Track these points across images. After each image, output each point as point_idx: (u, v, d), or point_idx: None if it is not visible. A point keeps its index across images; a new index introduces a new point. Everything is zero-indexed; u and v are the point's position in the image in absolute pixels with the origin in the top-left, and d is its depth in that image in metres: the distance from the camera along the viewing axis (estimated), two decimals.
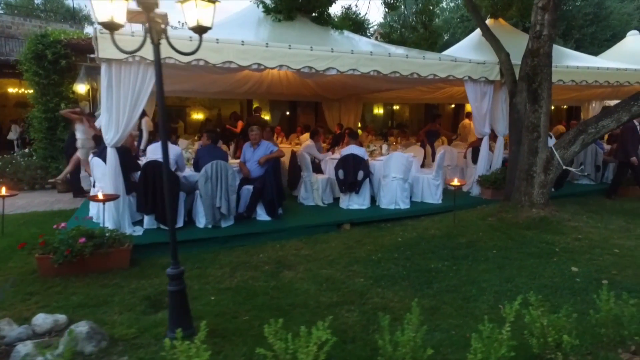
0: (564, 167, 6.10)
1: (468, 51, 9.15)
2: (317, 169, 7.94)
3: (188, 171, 6.11)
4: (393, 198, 6.97)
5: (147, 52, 5.12)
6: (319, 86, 10.84)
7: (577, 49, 23.97)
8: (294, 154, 7.96)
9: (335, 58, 6.08)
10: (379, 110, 19.66)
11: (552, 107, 19.37)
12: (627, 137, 7.80)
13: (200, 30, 2.99)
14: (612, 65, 9.57)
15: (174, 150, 5.71)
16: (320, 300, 3.65)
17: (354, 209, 6.95)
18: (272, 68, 5.77)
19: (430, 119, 12.58)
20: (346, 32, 7.95)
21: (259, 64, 5.65)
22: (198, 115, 16.84)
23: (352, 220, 6.36)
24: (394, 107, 19.84)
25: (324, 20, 7.55)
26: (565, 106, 18.38)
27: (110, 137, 5.02)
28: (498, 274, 4.24)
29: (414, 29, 10.43)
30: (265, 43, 5.67)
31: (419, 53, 7.17)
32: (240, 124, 11.10)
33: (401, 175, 6.95)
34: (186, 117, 16.75)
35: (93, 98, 11.82)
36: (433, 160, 9.21)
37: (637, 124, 7.80)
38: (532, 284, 3.95)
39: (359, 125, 17.88)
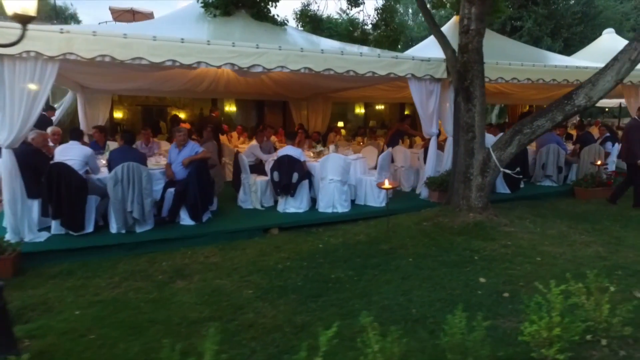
0: (501, 170, 5.80)
1: (432, 49, 8.86)
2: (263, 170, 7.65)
3: (105, 173, 5.82)
4: (330, 201, 6.68)
5: (45, 47, 4.92)
6: (278, 85, 10.54)
7: (565, 48, 23.70)
8: (237, 155, 7.67)
9: (261, 55, 5.78)
10: (360, 110, 19.35)
11: (535, 107, 19.18)
12: (634, 137, 7.00)
13: (22, 20, 2.69)
14: (573, 63, 9.29)
15: (83, 151, 5.42)
16: (188, 316, 3.36)
17: (290, 212, 6.66)
18: (190, 65, 5.46)
19: (398, 119, 12.28)
20: (290, 29, 7.66)
21: (174, 61, 5.35)
22: (180, 115, 16.47)
23: (281, 224, 6.07)
24: (378, 107, 19.51)
25: (264, 17, 7.24)
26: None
27: (4, 138, 4.73)
28: (398, 285, 3.95)
29: (376, 26, 10.12)
30: (181, 39, 5.37)
31: (358, 49, 6.88)
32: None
33: (339, 178, 6.65)
34: (167, 116, 16.41)
35: None
36: (393, 161, 8.95)
37: (637, 118, 7.19)
38: (427, 297, 3.66)
39: (341, 125, 17.63)
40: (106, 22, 17.08)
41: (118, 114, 15.71)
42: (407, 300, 3.61)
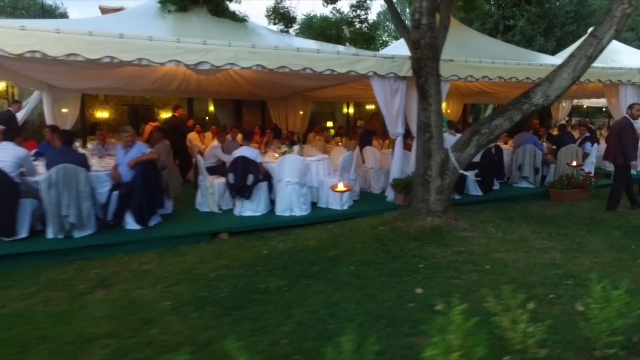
0: (460, 172, 5.54)
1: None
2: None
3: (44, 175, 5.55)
4: (288, 204, 6.42)
5: None
6: (252, 84, 10.26)
7: (558, 47, 23.43)
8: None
9: (208, 51, 5.52)
10: (348, 110, 19.07)
11: None
12: (627, 137, 6.60)
13: None
14: (549, 61, 9.04)
15: (17, 152, 5.15)
16: (85, 333, 3.10)
17: (246, 215, 6.41)
18: (130, 62, 5.21)
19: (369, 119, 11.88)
20: (253, 26, 7.40)
21: (112, 57, 5.10)
22: (166, 115, 16.18)
23: (231, 229, 5.81)
24: (368, 107, 19.19)
25: (223, 13, 6.98)
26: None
27: None
28: (328, 296, 3.69)
29: (350, 23, 9.86)
30: (119, 34, 5.11)
31: (317, 46, 6.62)
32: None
33: (296, 180, 6.39)
34: (155, 117, 16.11)
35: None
36: (364, 162, 8.69)
37: (631, 119, 6.80)
38: (353, 310, 3.40)
39: (330, 124, 17.32)
40: None
41: (104, 114, 15.48)
42: (329, 314, 3.35)
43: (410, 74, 6.81)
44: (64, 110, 9.85)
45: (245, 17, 7.07)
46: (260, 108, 13.05)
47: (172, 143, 9.87)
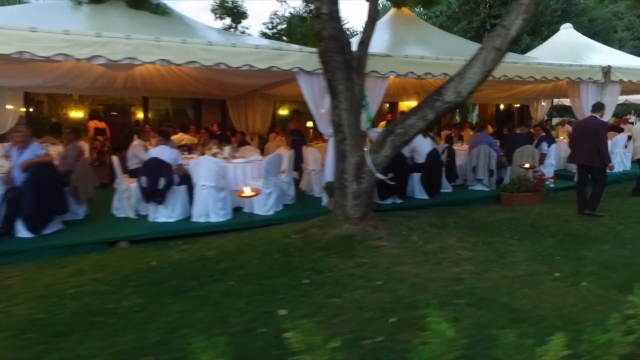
0: (376, 176, 5.08)
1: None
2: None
3: None
4: (204, 209, 5.97)
5: None
6: (198, 82, 9.80)
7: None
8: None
9: (103, 45, 5.07)
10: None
11: (502, 106, 18.44)
12: (605, 139, 6.39)
13: None
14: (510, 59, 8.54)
15: None
16: None
17: (160, 221, 5.97)
18: (9, 55, 4.76)
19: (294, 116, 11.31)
20: (185, 20, 6.95)
21: None
22: (141, 115, 15.76)
23: (132, 237, 5.36)
24: None
25: (141, 4, 6.52)
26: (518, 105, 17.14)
27: None
28: (176, 319, 3.24)
29: (303, 19, 9.42)
30: None
31: (233, 39, 6.17)
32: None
33: (212, 183, 5.94)
34: (131, 116, 15.67)
35: None
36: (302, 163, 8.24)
37: (598, 117, 6.61)
38: (191, 338, 2.94)
39: (310, 125, 16.80)
40: None
41: (78, 114, 15.07)
42: (159, 342, 2.90)
43: None
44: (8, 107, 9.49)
45: (168, 10, 6.61)
46: (219, 108, 12.61)
47: (114, 142, 9.51)
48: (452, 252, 4.78)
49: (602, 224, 6.13)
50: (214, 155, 7.08)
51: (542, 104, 15.13)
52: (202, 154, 7.26)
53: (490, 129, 11.75)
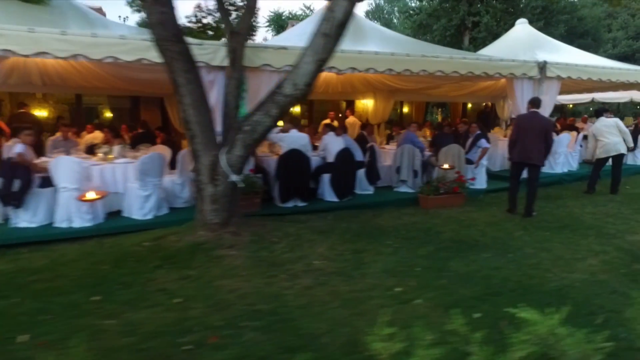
0: (231, 177, 4.59)
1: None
2: None
3: None
4: (66, 213, 5.48)
5: None
6: (117, 78, 9.31)
7: None
8: None
9: None
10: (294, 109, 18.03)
11: (470, 105, 17.91)
12: (552, 138, 6.44)
13: None
14: (449, 54, 8.06)
15: None
16: None
17: (21, 227, 5.49)
18: None
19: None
20: (61, 10, 6.46)
21: None
22: (109, 114, 15.34)
23: None
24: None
25: None
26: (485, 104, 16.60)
27: None
28: None
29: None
30: None
31: (101, 30, 5.69)
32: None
33: (74, 185, 5.43)
34: (100, 115, 15.25)
35: None
36: None
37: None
38: None
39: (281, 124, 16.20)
40: None
41: (42, 112, 14.63)
42: None
43: (226, 63, 5.87)
44: None
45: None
46: (158, 105, 12.12)
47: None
48: (305, 263, 4.29)
49: (504, 229, 5.65)
50: (105, 154, 6.62)
51: (510, 101, 14.64)
52: (92, 153, 6.79)
53: (426, 130, 11.24)
